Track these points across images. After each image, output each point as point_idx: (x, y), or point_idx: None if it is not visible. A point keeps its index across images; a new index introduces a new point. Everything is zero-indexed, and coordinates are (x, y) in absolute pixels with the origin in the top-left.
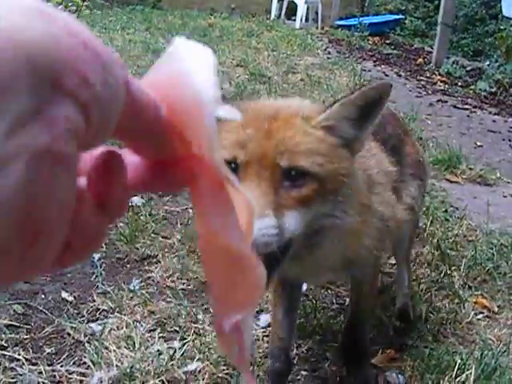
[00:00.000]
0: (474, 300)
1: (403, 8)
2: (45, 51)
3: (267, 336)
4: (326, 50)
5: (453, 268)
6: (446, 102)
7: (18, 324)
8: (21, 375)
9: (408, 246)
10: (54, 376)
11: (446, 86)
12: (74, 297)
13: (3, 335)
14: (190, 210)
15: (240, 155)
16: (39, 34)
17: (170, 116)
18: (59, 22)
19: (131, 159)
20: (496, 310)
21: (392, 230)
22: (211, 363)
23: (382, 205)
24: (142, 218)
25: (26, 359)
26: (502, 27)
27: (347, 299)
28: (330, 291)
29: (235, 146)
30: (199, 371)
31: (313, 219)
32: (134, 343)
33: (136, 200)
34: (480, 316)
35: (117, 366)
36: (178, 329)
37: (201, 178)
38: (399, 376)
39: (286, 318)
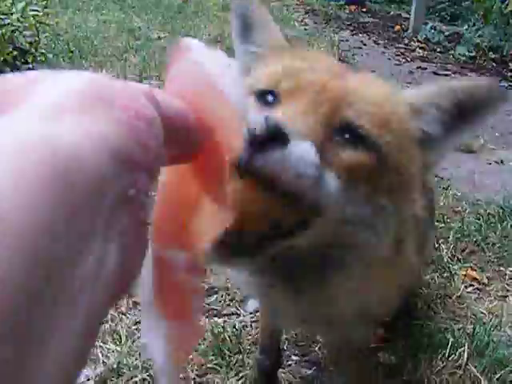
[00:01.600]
0: (464, 273)
1: None
2: (117, 140)
3: (256, 321)
4: (302, 21)
5: (440, 241)
6: (426, 68)
7: None
8: None
9: None
10: None
11: (425, 52)
12: None
13: None
14: None
15: (286, 82)
16: (109, 127)
17: (199, 121)
18: (116, 101)
19: None
20: (486, 281)
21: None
22: (199, 354)
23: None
24: None
25: None
26: None
27: None
28: None
29: (279, 75)
30: (188, 362)
31: (346, 218)
32: (120, 337)
33: None
34: (470, 289)
35: (103, 362)
36: None
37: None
38: (391, 357)
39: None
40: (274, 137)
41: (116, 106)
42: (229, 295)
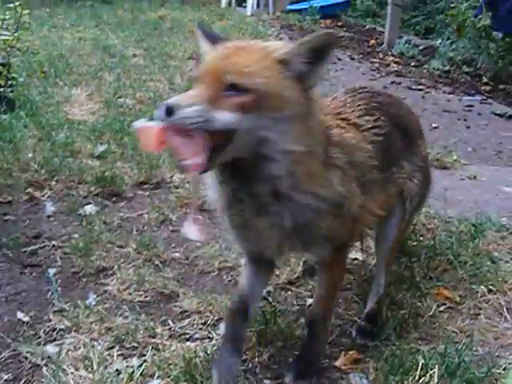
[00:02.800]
0: (436, 291)
1: None
2: None
3: None
4: (277, 36)
5: (413, 259)
6: (400, 83)
7: None
8: None
9: (391, 247)
10: None
11: (400, 66)
12: (30, 317)
13: None
14: (146, 216)
15: (196, 70)
16: None
17: None
18: None
19: None
20: (458, 299)
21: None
22: (172, 379)
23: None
24: (96, 227)
25: None
26: (452, 5)
27: (308, 299)
28: (290, 292)
29: (198, 67)
30: None
31: (251, 138)
32: (92, 363)
33: (88, 209)
34: (442, 308)
35: None
36: (136, 345)
37: None
38: (362, 380)
39: (253, 277)
40: (171, 110)
41: None
42: (201, 319)
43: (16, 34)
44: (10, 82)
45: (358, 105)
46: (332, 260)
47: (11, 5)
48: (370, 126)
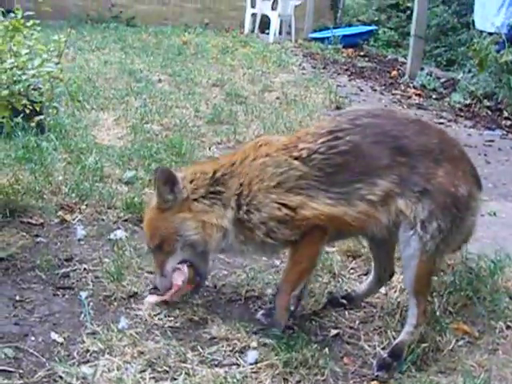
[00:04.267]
0: (455, 326)
1: (376, 19)
2: None
3: (256, 372)
4: (300, 65)
5: (433, 294)
6: (422, 116)
7: (10, 369)
8: None
9: (415, 279)
10: None
11: (421, 99)
12: (64, 338)
13: None
14: None
15: None
16: None
17: None
18: None
19: None
20: (477, 335)
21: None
22: None
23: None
24: (126, 253)
25: None
26: (474, 39)
27: (332, 330)
28: (314, 322)
29: None
30: None
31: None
32: None
33: (118, 234)
34: (461, 342)
35: None
36: (167, 369)
37: None
38: None
39: None
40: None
41: None
42: (229, 346)
43: (60, 66)
44: (49, 110)
45: (322, 128)
46: (298, 244)
47: (55, 37)
48: (314, 148)
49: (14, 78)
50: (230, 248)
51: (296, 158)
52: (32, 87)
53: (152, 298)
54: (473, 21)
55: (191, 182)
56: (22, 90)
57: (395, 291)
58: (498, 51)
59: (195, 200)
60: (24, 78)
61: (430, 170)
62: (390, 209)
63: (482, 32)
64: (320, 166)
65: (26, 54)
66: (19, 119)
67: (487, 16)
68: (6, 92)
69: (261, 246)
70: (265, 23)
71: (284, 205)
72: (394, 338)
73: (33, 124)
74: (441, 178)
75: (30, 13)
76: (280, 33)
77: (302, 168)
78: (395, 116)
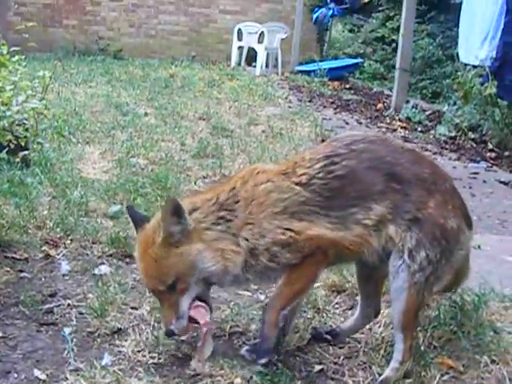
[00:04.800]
0: (440, 360)
1: (361, 51)
2: None
3: None
4: (286, 98)
5: (418, 329)
6: None
7: None
8: None
9: (403, 310)
10: None
11: (407, 131)
12: (47, 375)
13: None
14: None
15: None
16: None
17: None
18: None
19: None
20: (462, 369)
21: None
22: None
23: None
24: (111, 288)
25: None
26: (459, 72)
27: (316, 366)
28: (298, 358)
29: None
30: None
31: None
32: None
33: (103, 269)
34: (446, 377)
35: None
36: None
37: None
38: None
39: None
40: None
41: None
42: (213, 382)
43: (44, 102)
44: (34, 146)
45: (318, 154)
46: (297, 265)
47: (40, 73)
48: (313, 173)
49: None
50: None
51: (297, 184)
52: (16, 123)
53: (198, 364)
54: (457, 53)
55: (194, 210)
56: (6, 125)
57: (379, 326)
58: (482, 84)
59: (207, 229)
60: (8, 113)
61: (421, 199)
62: (381, 234)
63: (466, 65)
64: (319, 191)
65: (11, 90)
66: (4, 154)
67: (471, 49)
68: None
69: (264, 272)
70: (251, 56)
71: (288, 229)
72: (379, 374)
73: (18, 159)
74: (431, 209)
75: (16, 48)
76: (267, 66)
77: (304, 193)
78: (390, 143)
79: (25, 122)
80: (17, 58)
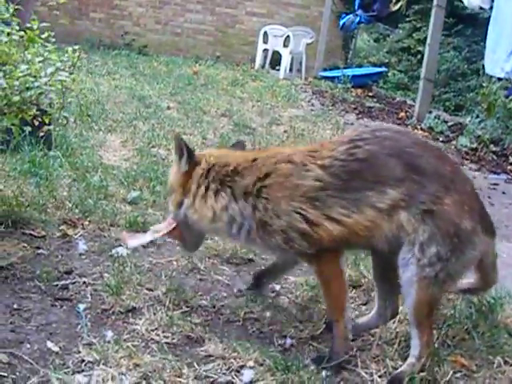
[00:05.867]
0: (453, 358)
1: (386, 61)
2: None
3: None
4: (309, 101)
5: (432, 326)
6: None
7: (3, 374)
8: None
9: (414, 307)
10: None
11: (428, 141)
12: (60, 347)
13: None
14: (175, 262)
15: None
16: None
17: None
18: None
19: None
20: (474, 368)
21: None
22: None
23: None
24: (127, 269)
25: None
26: (483, 84)
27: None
28: (311, 347)
29: None
30: None
31: None
32: None
33: (120, 250)
34: (458, 375)
35: None
36: (162, 383)
37: None
38: None
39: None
40: None
41: None
42: (226, 364)
43: (72, 76)
44: (59, 121)
45: (344, 137)
46: (315, 263)
47: (70, 48)
48: (336, 155)
49: (27, 85)
50: (249, 241)
51: (320, 167)
52: (44, 95)
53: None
54: (483, 65)
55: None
56: (33, 97)
57: (394, 322)
58: (506, 96)
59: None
60: (36, 84)
61: (438, 194)
62: (392, 220)
63: (491, 77)
64: (338, 173)
65: (40, 62)
66: (27, 129)
67: (497, 61)
68: (17, 98)
69: (274, 248)
70: (276, 59)
71: (303, 216)
72: (392, 367)
73: (41, 134)
74: (447, 205)
75: (46, 24)
76: (290, 69)
77: (324, 178)
78: (415, 137)
79: (51, 97)
80: (47, 33)
